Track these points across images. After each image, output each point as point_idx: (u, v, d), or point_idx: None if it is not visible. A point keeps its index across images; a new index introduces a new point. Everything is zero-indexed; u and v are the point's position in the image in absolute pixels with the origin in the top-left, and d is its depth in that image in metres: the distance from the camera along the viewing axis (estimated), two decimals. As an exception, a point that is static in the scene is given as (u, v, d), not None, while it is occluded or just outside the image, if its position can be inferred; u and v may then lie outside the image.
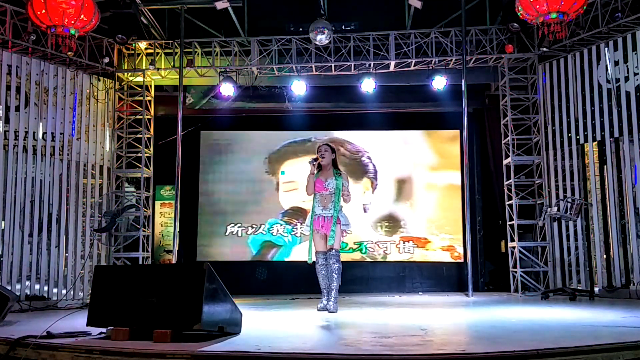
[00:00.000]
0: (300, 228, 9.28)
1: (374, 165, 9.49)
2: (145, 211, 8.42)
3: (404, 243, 9.27)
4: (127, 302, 3.49)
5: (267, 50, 8.40)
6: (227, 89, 8.42)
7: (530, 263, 8.04)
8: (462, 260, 9.03)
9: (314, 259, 5.49)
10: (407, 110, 9.46)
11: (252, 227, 9.42)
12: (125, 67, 8.58)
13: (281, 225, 9.39)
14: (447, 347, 3.01)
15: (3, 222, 7.02)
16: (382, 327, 4.23)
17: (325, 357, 2.79)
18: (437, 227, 9.28)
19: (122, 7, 7.48)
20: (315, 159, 5.47)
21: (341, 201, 5.44)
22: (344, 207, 5.53)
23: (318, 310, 5.37)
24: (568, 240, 7.72)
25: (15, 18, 7.07)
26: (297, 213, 9.37)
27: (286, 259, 9.33)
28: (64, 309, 6.18)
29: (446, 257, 9.21)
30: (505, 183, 8.34)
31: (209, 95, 9.36)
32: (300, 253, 9.20)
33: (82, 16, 5.96)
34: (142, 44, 8.50)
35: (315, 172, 5.50)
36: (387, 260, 9.26)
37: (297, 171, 9.27)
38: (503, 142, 8.37)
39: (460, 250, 9.14)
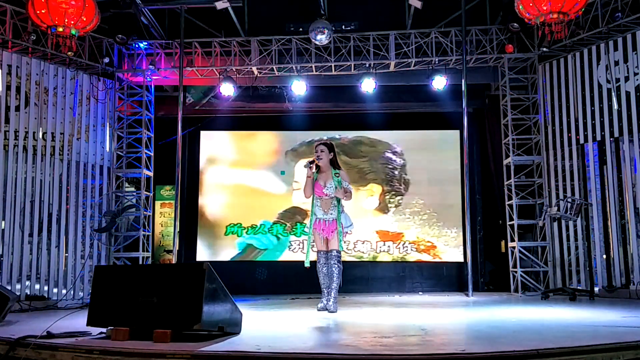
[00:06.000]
0: (300, 228, 9.28)
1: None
2: (145, 211, 8.42)
3: (403, 243, 9.27)
4: (127, 302, 3.49)
5: (267, 50, 8.40)
6: (227, 89, 8.43)
7: (530, 263, 8.04)
8: (461, 259, 9.03)
9: (311, 259, 5.47)
10: (407, 110, 9.45)
11: (253, 227, 9.42)
12: (125, 67, 8.58)
13: (280, 225, 9.39)
14: (447, 347, 3.01)
15: (3, 222, 7.02)
16: (382, 327, 4.23)
17: (325, 357, 2.79)
18: (437, 226, 9.27)
19: (122, 7, 7.48)
20: (312, 162, 5.42)
21: (342, 202, 5.42)
22: (346, 207, 5.52)
23: (318, 310, 5.37)
24: (568, 240, 7.72)
25: (15, 18, 7.07)
26: (296, 214, 9.37)
27: (282, 259, 9.32)
28: (64, 309, 6.19)
29: (445, 257, 9.21)
30: (505, 183, 8.34)
31: (209, 95, 9.35)
32: (288, 257, 9.29)
33: (82, 17, 5.96)
34: (142, 44, 8.50)
35: (314, 172, 5.47)
36: (387, 260, 9.26)
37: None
38: (503, 142, 8.37)
39: (451, 249, 9.15)
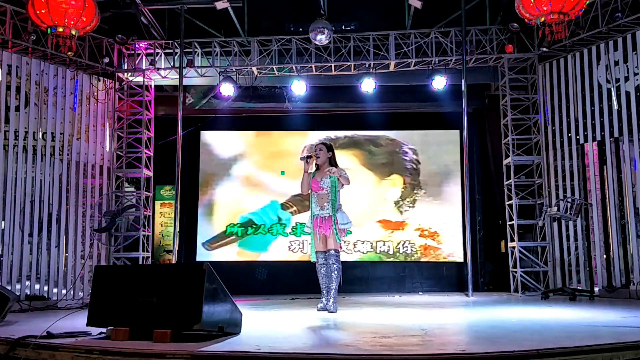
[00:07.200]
0: (300, 228, 9.28)
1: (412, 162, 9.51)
2: (145, 211, 8.42)
3: (403, 243, 9.27)
4: (127, 302, 3.49)
5: (267, 50, 8.40)
6: (227, 89, 8.43)
7: (530, 263, 8.04)
8: (461, 259, 9.03)
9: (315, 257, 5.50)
10: (407, 110, 9.45)
11: (252, 227, 9.42)
12: (125, 67, 8.58)
13: (280, 226, 9.38)
14: (447, 347, 3.01)
15: (3, 222, 7.02)
16: (382, 327, 4.23)
17: (325, 357, 2.79)
18: (437, 227, 9.26)
19: (122, 7, 7.48)
20: (309, 157, 5.48)
21: (339, 200, 5.43)
22: (344, 206, 5.53)
23: (318, 310, 5.37)
24: (568, 240, 7.72)
25: (15, 18, 7.07)
26: (305, 200, 9.34)
27: (282, 259, 9.32)
28: (64, 309, 6.18)
29: (445, 257, 9.21)
30: (505, 183, 8.34)
31: (209, 95, 9.36)
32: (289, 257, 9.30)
33: (82, 17, 5.96)
34: (142, 44, 8.50)
35: (312, 171, 5.53)
36: (387, 260, 9.26)
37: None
38: (503, 142, 8.37)
39: (451, 249, 9.16)
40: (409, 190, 9.38)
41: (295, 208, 9.38)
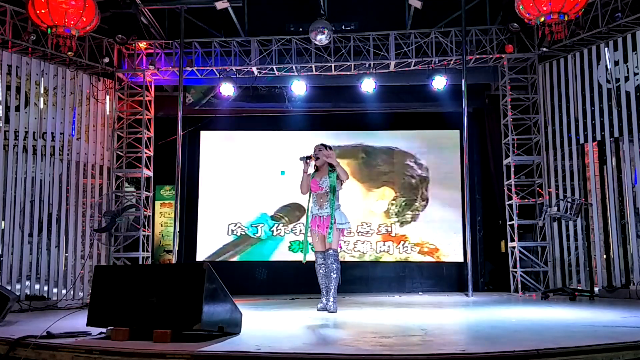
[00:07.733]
0: (288, 227, 9.30)
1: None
2: (145, 211, 8.42)
3: (403, 243, 9.27)
4: (127, 302, 3.49)
5: (267, 50, 8.40)
6: (227, 89, 8.43)
7: (530, 263, 8.04)
8: (461, 260, 9.03)
9: (308, 258, 5.49)
10: (407, 110, 9.45)
11: (255, 228, 9.42)
12: (125, 67, 8.58)
13: (270, 220, 9.37)
14: (447, 347, 3.01)
15: (3, 222, 7.02)
16: (382, 327, 4.23)
17: (325, 357, 2.78)
18: (437, 227, 9.26)
19: (122, 7, 7.49)
20: (309, 157, 5.46)
21: (338, 200, 5.43)
22: (342, 206, 5.52)
23: (318, 310, 5.36)
24: (568, 240, 7.72)
25: (15, 18, 7.07)
26: (292, 210, 9.35)
27: (281, 259, 9.30)
28: (64, 309, 6.17)
29: (446, 258, 9.21)
30: (505, 183, 8.34)
31: (209, 95, 9.36)
32: (288, 257, 9.28)
33: (82, 17, 5.97)
34: (142, 44, 8.50)
35: (312, 171, 5.51)
36: (387, 260, 9.26)
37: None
38: (503, 142, 8.37)
39: (451, 250, 9.16)
40: (407, 201, 9.37)
41: (286, 219, 9.38)
